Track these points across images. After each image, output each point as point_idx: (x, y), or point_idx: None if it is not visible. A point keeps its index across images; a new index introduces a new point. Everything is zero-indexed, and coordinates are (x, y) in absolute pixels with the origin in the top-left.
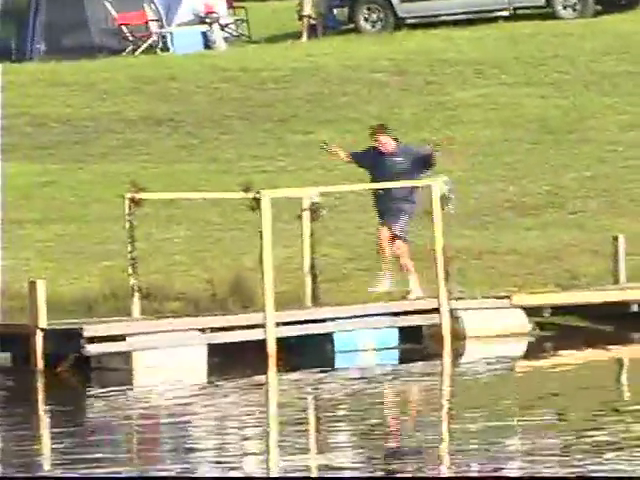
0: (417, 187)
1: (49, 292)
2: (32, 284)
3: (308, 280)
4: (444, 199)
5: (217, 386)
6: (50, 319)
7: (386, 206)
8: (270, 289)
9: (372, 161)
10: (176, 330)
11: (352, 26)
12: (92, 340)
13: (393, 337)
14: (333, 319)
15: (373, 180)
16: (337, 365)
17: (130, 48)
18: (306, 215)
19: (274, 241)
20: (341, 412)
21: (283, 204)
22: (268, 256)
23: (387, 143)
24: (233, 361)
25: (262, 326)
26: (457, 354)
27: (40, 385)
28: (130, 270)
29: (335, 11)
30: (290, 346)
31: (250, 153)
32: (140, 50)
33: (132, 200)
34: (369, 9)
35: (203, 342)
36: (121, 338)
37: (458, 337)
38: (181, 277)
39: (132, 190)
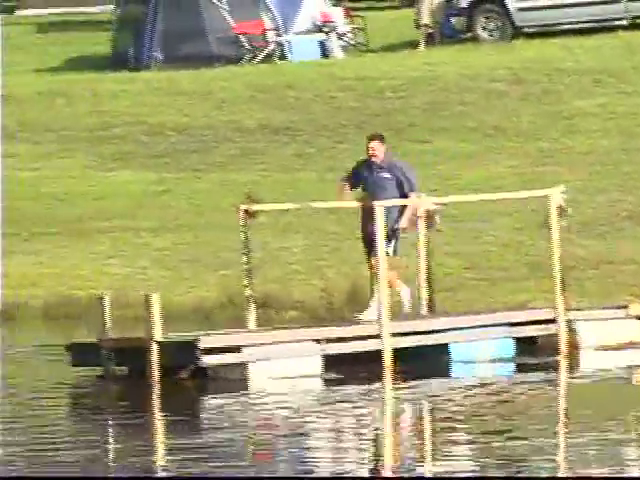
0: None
1: (165, 301)
2: (147, 297)
3: (424, 289)
4: (561, 210)
5: (333, 393)
6: (166, 328)
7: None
8: (385, 300)
9: (362, 176)
10: (291, 341)
11: (469, 35)
12: (208, 351)
13: (509, 348)
14: (449, 330)
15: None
16: (453, 375)
17: (248, 57)
18: (422, 222)
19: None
20: (463, 420)
21: None
22: (383, 266)
23: (378, 151)
24: (348, 370)
25: (378, 337)
26: (574, 364)
27: (157, 395)
28: (245, 281)
29: (453, 20)
30: (405, 355)
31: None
32: (258, 59)
33: (246, 212)
34: (487, 18)
35: (318, 353)
36: (237, 349)
37: (574, 347)
38: (298, 286)
39: (247, 202)
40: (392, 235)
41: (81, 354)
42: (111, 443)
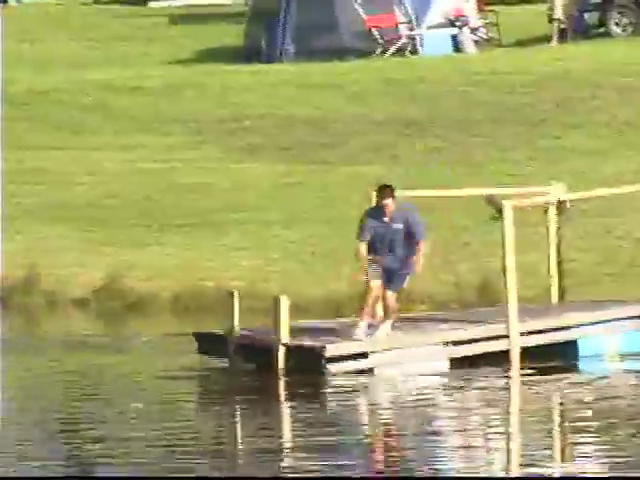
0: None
1: (295, 294)
2: (276, 299)
3: (555, 284)
4: None
5: (462, 394)
6: (296, 321)
7: (391, 268)
8: (514, 300)
9: (373, 227)
10: (419, 345)
11: (602, 30)
12: (333, 359)
13: (638, 341)
14: (577, 326)
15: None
16: (581, 370)
17: (380, 50)
18: (553, 212)
19: (522, 245)
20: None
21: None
22: (511, 267)
23: (391, 205)
24: (474, 367)
25: (506, 336)
26: None
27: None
28: None
29: (586, 15)
30: (532, 350)
31: (499, 157)
32: (390, 52)
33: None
34: (620, 13)
35: (445, 356)
36: (362, 356)
37: None
38: (429, 280)
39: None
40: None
41: (209, 344)
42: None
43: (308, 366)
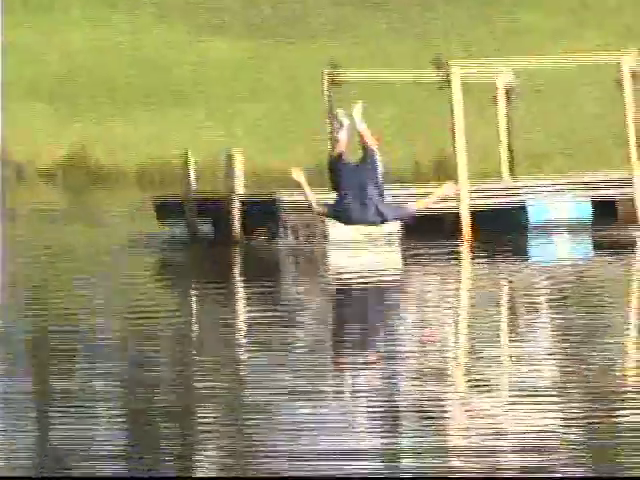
0: None
1: (256, 166)
2: (229, 156)
3: (506, 157)
4: (636, 76)
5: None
6: (255, 191)
7: None
8: (463, 160)
9: None
10: None
11: None
12: (289, 209)
13: (587, 210)
14: (526, 192)
15: None
16: (530, 234)
17: None
18: (502, 93)
19: (475, 121)
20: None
21: (482, 84)
22: (460, 130)
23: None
24: (427, 231)
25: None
26: None
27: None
28: (330, 147)
29: None
30: (483, 216)
31: (455, 32)
32: None
33: (331, 79)
34: None
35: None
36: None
37: None
38: (386, 155)
39: (330, 69)
40: None
41: (167, 211)
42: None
43: (264, 218)
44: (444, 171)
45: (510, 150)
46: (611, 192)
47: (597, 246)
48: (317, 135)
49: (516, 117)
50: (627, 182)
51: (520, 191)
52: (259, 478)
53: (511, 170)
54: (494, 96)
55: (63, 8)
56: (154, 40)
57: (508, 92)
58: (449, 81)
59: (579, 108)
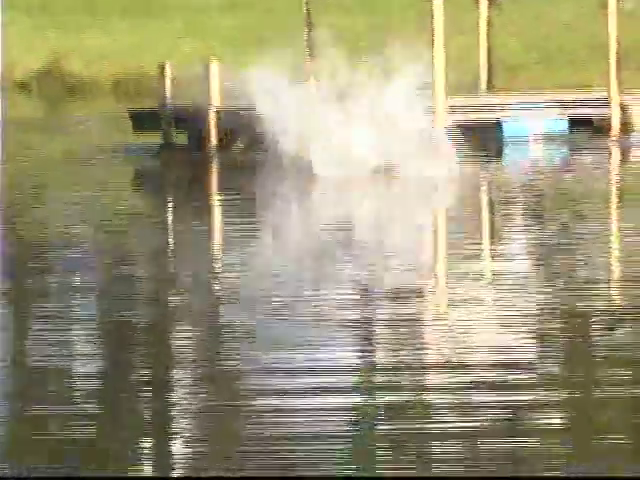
0: None
1: (232, 78)
2: (206, 67)
3: (484, 68)
4: None
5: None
6: (232, 104)
7: None
8: (441, 77)
9: None
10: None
11: None
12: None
13: (562, 125)
14: (503, 107)
15: None
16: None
17: None
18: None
19: (452, 31)
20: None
21: None
22: (439, 39)
23: None
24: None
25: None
26: (626, 145)
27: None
28: (307, 55)
29: None
30: (460, 134)
31: None
32: None
33: None
34: None
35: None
36: None
37: (627, 129)
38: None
39: None
40: None
41: (143, 121)
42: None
43: (240, 128)
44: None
45: (488, 59)
46: (589, 111)
47: (572, 150)
48: (293, 46)
49: (495, 25)
50: (604, 101)
51: (497, 108)
52: (255, 478)
53: (488, 81)
54: None
55: None
56: None
57: None
58: None
59: (555, 18)
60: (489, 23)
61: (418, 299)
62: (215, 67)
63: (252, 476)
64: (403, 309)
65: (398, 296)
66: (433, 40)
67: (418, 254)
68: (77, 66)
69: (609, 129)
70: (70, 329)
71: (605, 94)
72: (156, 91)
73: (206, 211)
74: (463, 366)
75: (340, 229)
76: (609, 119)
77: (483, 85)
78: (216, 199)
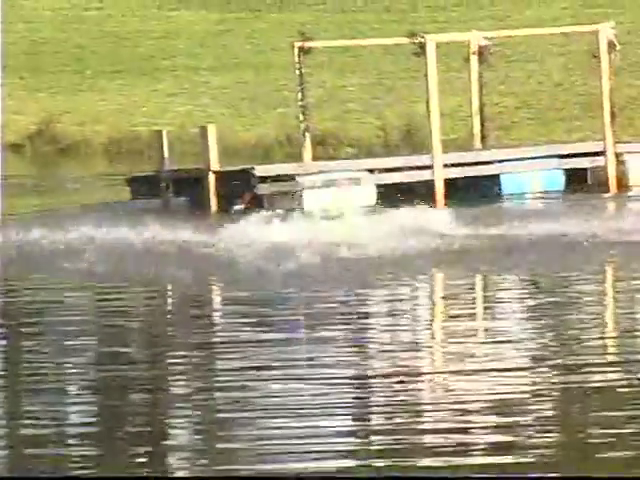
0: None
1: (225, 137)
2: (203, 129)
3: (477, 125)
4: (611, 45)
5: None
6: (227, 163)
7: None
8: (437, 131)
9: None
10: (345, 170)
11: None
12: (264, 180)
13: (559, 180)
14: (500, 161)
15: None
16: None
17: None
18: (474, 59)
19: (444, 90)
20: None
21: (453, 53)
22: (434, 97)
23: None
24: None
25: (430, 167)
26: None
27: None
28: (301, 117)
29: None
30: (457, 189)
31: (423, 3)
32: None
33: (301, 49)
34: None
35: (372, 182)
36: (291, 178)
37: (623, 181)
38: (354, 124)
39: (301, 39)
40: None
41: (141, 186)
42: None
43: (239, 189)
44: (413, 140)
45: (481, 117)
46: (584, 162)
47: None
48: (288, 106)
49: (486, 82)
50: (599, 152)
51: (493, 162)
52: (254, 478)
53: (482, 138)
54: (466, 58)
55: None
56: (121, 10)
57: (482, 52)
58: (423, 49)
59: (547, 75)
60: (481, 82)
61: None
62: (213, 129)
63: (252, 476)
64: None
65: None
66: (428, 98)
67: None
68: (69, 127)
69: (606, 183)
70: None
71: (600, 147)
72: (148, 151)
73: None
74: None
75: None
76: (605, 172)
77: (477, 143)
78: None
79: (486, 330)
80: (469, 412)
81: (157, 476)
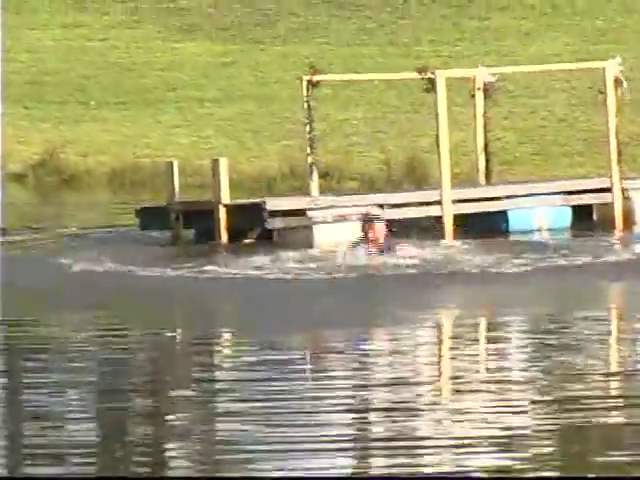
0: None
1: (229, 169)
2: (215, 162)
3: (482, 161)
4: (617, 82)
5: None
6: (230, 196)
7: None
8: (447, 168)
9: None
10: (355, 205)
11: None
12: (274, 214)
13: (566, 216)
14: (507, 197)
15: None
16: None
17: None
18: (480, 95)
19: (448, 125)
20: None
21: (457, 88)
22: (444, 133)
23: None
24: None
25: (439, 203)
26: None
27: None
28: (309, 150)
29: None
30: (464, 226)
31: (427, 38)
32: None
33: (310, 82)
34: None
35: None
36: (302, 213)
37: (630, 217)
38: (358, 158)
39: (310, 72)
40: None
41: (150, 217)
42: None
43: (249, 223)
44: (416, 174)
45: (486, 153)
46: (591, 199)
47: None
48: (290, 139)
49: (489, 117)
50: (605, 188)
51: (501, 198)
52: (254, 478)
53: (487, 174)
54: (472, 94)
55: (32, 9)
56: (125, 42)
57: (487, 88)
58: (433, 85)
59: (550, 111)
60: (485, 118)
61: None
62: (224, 162)
63: (251, 476)
64: None
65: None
66: (437, 134)
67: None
68: (72, 158)
69: (612, 220)
70: None
71: (607, 182)
72: (152, 184)
73: None
74: None
75: None
76: (612, 209)
77: (481, 179)
78: None
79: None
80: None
81: (157, 476)
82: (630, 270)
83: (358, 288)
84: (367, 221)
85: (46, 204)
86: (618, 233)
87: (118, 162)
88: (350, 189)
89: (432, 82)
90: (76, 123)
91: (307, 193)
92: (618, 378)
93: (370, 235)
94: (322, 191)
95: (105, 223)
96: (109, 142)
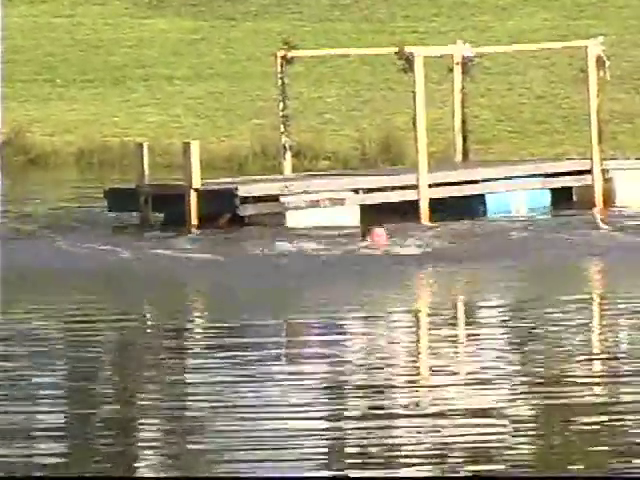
0: None
1: (199, 149)
2: (186, 145)
3: (459, 139)
4: (600, 61)
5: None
6: (201, 177)
7: None
8: (424, 151)
9: None
10: (330, 191)
11: None
12: (246, 200)
13: (545, 199)
14: (485, 180)
15: None
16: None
17: None
18: (457, 69)
19: (425, 102)
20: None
21: (433, 64)
22: (421, 117)
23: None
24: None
25: (415, 187)
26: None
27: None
28: (282, 128)
29: None
30: (441, 209)
31: (402, 13)
32: None
33: (284, 58)
34: None
35: (356, 203)
36: (274, 199)
37: (609, 198)
38: (331, 136)
39: (284, 48)
40: None
41: (119, 199)
42: None
43: (221, 209)
44: (391, 153)
45: (463, 131)
46: (571, 181)
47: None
48: (263, 117)
49: (467, 96)
50: (586, 171)
51: (478, 181)
52: (243, 478)
53: (464, 153)
54: (450, 69)
55: None
56: (92, 18)
57: (465, 64)
58: (410, 64)
59: (529, 88)
60: (463, 95)
61: None
62: (196, 145)
63: (250, 476)
64: None
65: None
66: (415, 114)
67: None
68: (39, 137)
69: (592, 200)
70: None
71: (587, 164)
72: (120, 164)
73: None
74: None
75: None
76: (592, 189)
77: (458, 157)
78: None
79: None
80: None
81: (156, 476)
82: None
83: None
84: (367, 229)
85: (13, 184)
86: (598, 214)
87: (86, 142)
88: (323, 168)
89: (410, 62)
90: (43, 102)
91: (279, 172)
92: None
93: (370, 241)
94: (295, 170)
95: (71, 204)
96: (76, 121)
